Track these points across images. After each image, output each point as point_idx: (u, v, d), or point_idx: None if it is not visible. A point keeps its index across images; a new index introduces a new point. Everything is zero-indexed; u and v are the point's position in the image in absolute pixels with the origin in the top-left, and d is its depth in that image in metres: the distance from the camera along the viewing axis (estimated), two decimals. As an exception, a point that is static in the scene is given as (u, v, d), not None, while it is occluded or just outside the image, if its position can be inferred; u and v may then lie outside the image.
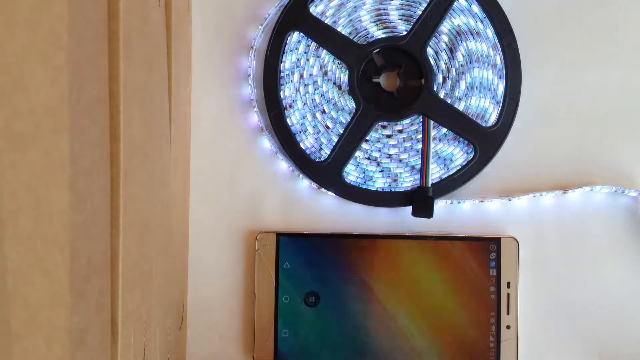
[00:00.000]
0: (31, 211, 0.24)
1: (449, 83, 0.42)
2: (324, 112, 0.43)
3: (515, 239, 0.42)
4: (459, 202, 0.43)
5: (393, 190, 0.43)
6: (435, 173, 0.42)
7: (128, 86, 0.30)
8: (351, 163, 0.43)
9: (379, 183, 0.43)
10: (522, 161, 0.43)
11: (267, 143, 0.43)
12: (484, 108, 0.42)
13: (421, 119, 0.42)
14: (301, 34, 0.43)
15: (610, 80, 0.43)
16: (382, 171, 0.43)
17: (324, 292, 0.42)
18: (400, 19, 0.43)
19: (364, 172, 0.43)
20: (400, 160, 0.43)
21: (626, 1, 0.43)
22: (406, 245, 0.42)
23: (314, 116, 0.43)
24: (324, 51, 0.43)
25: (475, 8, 0.42)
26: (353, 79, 0.42)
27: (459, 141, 0.42)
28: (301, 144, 0.43)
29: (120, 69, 0.29)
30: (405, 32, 0.42)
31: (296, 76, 0.43)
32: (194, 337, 0.43)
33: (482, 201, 0.43)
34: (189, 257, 0.44)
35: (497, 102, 0.42)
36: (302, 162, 0.43)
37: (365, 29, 0.43)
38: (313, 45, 0.43)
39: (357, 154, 0.43)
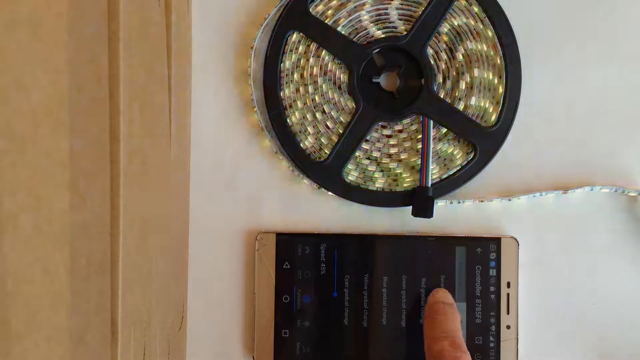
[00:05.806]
0: (31, 211, 0.24)
1: (449, 83, 0.42)
2: (324, 112, 0.43)
3: (515, 239, 0.42)
4: (459, 202, 0.43)
5: (393, 190, 0.43)
6: (435, 173, 0.42)
7: (128, 86, 0.30)
8: (351, 163, 0.43)
9: (379, 183, 0.43)
10: (522, 161, 0.43)
11: (267, 143, 0.43)
12: (484, 108, 0.42)
13: (421, 119, 0.42)
14: (301, 34, 0.43)
15: (610, 80, 0.43)
16: (382, 171, 0.43)
17: (324, 292, 0.42)
18: (400, 19, 0.43)
19: (364, 172, 0.43)
20: (400, 160, 0.43)
21: (626, 1, 0.43)
22: (406, 245, 0.42)
23: (314, 116, 0.43)
24: (324, 51, 0.43)
25: (475, 8, 0.42)
26: (353, 79, 0.42)
27: (459, 141, 0.42)
28: (301, 144, 0.43)
29: (120, 69, 0.29)
30: (405, 32, 0.42)
31: (296, 76, 0.43)
32: (194, 337, 0.43)
33: (482, 201, 0.43)
34: (189, 257, 0.44)
35: (497, 102, 0.42)
36: (302, 162, 0.43)
37: (365, 29, 0.43)
38: (313, 45, 0.43)
39: (357, 153, 0.43)
